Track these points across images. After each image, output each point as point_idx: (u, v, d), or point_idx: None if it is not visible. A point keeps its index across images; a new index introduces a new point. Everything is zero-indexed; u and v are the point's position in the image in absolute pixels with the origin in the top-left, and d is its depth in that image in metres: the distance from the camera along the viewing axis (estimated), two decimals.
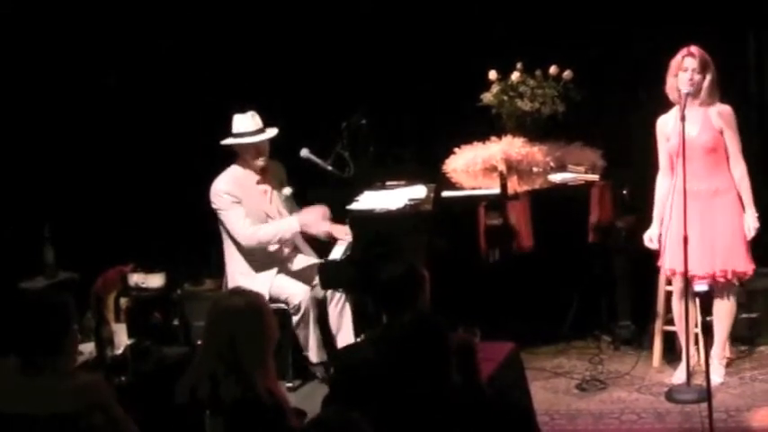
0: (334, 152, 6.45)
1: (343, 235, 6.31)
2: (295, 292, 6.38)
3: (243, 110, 6.48)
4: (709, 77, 6.03)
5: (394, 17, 7.30)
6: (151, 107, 7.46)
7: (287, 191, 6.61)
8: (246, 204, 6.43)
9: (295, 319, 6.36)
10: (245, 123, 6.43)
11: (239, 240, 6.42)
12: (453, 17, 7.26)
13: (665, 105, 6.18)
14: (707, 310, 5.15)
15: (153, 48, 7.46)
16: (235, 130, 6.44)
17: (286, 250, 6.56)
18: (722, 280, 6.09)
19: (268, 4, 7.41)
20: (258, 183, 6.52)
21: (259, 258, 6.47)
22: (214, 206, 6.46)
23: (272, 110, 6.60)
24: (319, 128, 6.61)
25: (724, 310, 6.16)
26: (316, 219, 6.37)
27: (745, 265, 6.14)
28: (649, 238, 6.24)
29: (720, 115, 6.07)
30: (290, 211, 6.61)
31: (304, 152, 6.52)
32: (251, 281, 6.27)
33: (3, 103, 7.26)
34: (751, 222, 6.06)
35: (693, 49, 6.04)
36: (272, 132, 6.48)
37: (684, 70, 6.01)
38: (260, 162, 6.47)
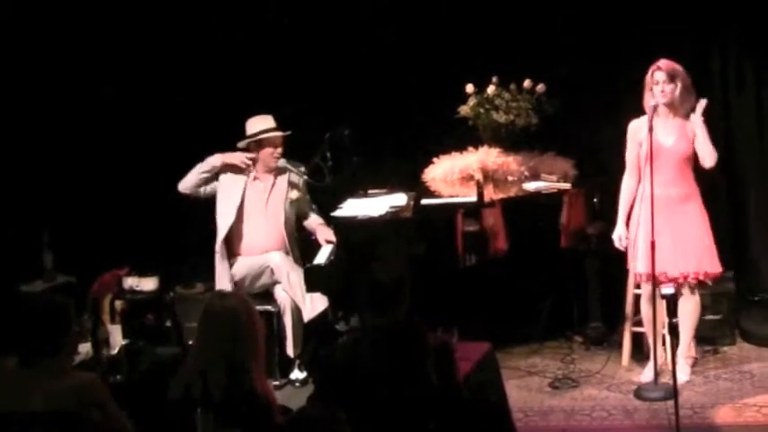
0: (312, 163, 6.65)
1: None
2: (276, 288, 6.60)
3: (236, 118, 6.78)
4: (680, 85, 6.19)
5: (376, 33, 7.39)
6: (148, 114, 7.51)
7: (293, 194, 6.77)
8: (224, 185, 6.67)
9: (281, 311, 6.53)
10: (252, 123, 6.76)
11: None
12: (432, 33, 7.34)
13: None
14: (673, 312, 5.25)
15: (150, 54, 7.49)
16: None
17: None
18: (694, 282, 6.24)
19: (262, 18, 7.49)
20: (255, 178, 6.71)
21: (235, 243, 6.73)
22: None
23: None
24: (299, 139, 6.76)
25: (688, 311, 6.27)
26: (233, 155, 6.67)
27: (716, 267, 6.30)
28: (618, 237, 6.35)
29: (693, 126, 6.24)
30: (298, 215, 6.84)
31: (281, 162, 6.74)
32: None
33: (2, 109, 7.30)
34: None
35: (661, 62, 6.20)
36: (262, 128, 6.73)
37: (656, 84, 6.19)
38: (248, 161, 6.69)
